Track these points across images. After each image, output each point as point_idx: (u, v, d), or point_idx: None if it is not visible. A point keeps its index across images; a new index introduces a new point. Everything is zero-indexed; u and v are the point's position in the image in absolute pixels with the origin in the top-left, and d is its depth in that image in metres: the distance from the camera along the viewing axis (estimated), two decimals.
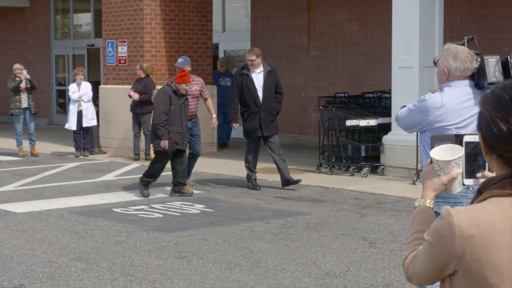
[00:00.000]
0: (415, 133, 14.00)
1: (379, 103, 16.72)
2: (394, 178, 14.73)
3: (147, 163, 14.30)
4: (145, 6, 18.42)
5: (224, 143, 20.48)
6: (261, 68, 13.74)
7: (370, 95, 17.15)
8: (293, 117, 21.04)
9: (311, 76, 20.80)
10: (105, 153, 19.40)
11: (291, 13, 21.10)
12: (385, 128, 15.53)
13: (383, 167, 15.25)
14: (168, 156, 12.88)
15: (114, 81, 19.52)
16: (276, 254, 9.25)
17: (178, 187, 13.17)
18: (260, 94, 13.64)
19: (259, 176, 14.51)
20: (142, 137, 17.87)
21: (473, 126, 5.26)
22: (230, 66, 22.16)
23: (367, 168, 15.25)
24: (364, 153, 15.61)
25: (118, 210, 12.09)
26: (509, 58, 4.75)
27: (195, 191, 13.52)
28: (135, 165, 17.48)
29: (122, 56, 19.19)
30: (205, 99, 14.03)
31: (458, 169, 2.97)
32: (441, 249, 2.67)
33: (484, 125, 2.68)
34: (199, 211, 11.99)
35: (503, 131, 2.61)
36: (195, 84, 13.61)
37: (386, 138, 15.28)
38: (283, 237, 10.18)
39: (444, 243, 2.65)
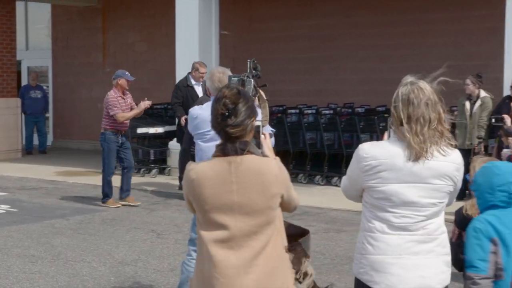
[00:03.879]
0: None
1: (166, 113, 16.80)
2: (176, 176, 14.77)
3: None
4: None
5: (30, 151, 19.62)
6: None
7: (159, 106, 17.16)
8: (91, 126, 20.66)
9: (106, 89, 20.40)
10: None
11: (88, 34, 20.74)
12: (171, 135, 15.56)
13: (169, 168, 15.28)
14: None
15: None
16: (75, 247, 9.05)
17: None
18: None
19: (61, 178, 14.11)
20: None
21: None
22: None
23: (155, 170, 15.22)
24: (153, 156, 15.59)
25: None
26: (246, 78, 5.04)
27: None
28: None
29: None
30: None
31: None
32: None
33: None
34: (4, 211, 11.50)
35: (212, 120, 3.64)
36: (129, 98, 12.35)
37: (171, 144, 15.33)
38: (81, 231, 9.98)
39: (183, 185, 3.71)
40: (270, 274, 3.59)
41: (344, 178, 3.99)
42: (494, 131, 10.55)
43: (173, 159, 15.14)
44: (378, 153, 3.74)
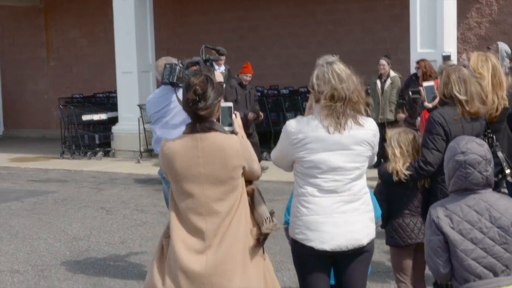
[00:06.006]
0: (137, 123, 14.12)
1: (108, 101, 16.59)
2: (123, 159, 14.63)
3: None
4: None
5: None
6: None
7: (101, 95, 16.93)
8: (38, 115, 20.28)
9: (51, 82, 20.11)
10: None
11: (32, 32, 20.27)
12: (114, 121, 15.36)
13: (113, 151, 15.09)
14: None
15: None
16: (31, 226, 8.89)
17: None
18: None
19: (14, 164, 13.82)
20: None
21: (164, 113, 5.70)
22: None
23: (101, 153, 15.01)
24: (98, 141, 15.36)
25: None
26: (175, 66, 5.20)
27: None
28: None
29: None
30: None
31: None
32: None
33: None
34: None
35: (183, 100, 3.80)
36: None
37: (114, 128, 15.14)
38: (36, 212, 9.80)
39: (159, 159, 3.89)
40: (235, 238, 3.74)
41: (274, 151, 4.02)
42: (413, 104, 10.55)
43: (117, 143, 14.99)
44: (303, 127, 3.79)
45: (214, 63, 5.95)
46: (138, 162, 14.04)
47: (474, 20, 14.20)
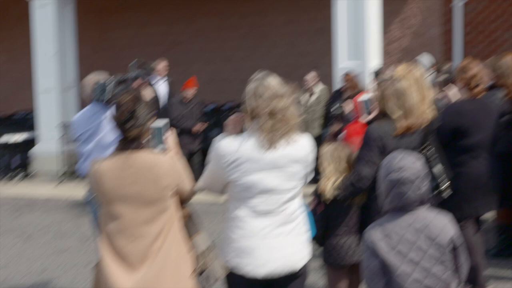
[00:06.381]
0: (57, 144, 13.62)
1: (27, 122, 15.96)
2: (43, 182, 14.04)
3: None
4: None
5: None
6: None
7: (20, 114, 16.34)
8: None
9: None
10: None
11: None
12: (31, 142, 14.77)
13: (32, 173, 14.49)
14: None
15: None
16: None
17: None
18: None
19: None
20: None
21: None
22: None
23: (19, 175, 14.41)
24: (16, 163, 14.73)
25: None
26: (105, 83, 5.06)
27: None
28: None
29: None
30: None
31: None
32: None
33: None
34: None
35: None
36: None
37: (34, 149, 14.53)
38: None
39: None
40: (165, 259, 3.63)
41: (203, 176, 3.79)
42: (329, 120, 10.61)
43: (36, 164, 14.43)
44: (234, 148, 3.57)
45: (156, 75, 5.82)
46: (59, 185, 13.53)
47: (396, 33, 14.32)
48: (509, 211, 6.90)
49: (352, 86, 10.38)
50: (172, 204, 3.72)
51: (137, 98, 3.70)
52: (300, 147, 3.65)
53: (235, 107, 13.02)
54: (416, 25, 14.20)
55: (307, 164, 3.70)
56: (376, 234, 3.43)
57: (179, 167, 3.76)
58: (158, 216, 3.65)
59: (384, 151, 4.45)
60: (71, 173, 13.69)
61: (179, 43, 16.71)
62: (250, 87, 3.63)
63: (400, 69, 5.38)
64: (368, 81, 10.79)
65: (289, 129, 3.59)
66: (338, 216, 4.68)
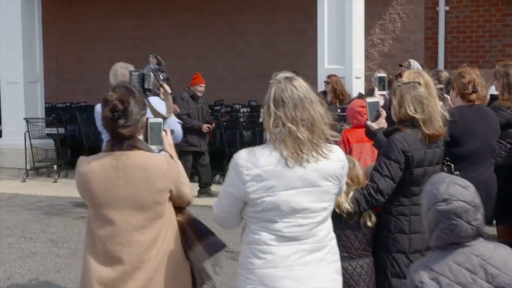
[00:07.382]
0: (22, 138, 12.99)
1: None
2: (7, 178, 13.37)
3: None
4: None
5: None
6: None
7: None
8: None
9: None
10: None
11: None
12: None
13: None
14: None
15: None
16: None
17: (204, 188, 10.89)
18: None
19: None
20: None
21: None
22: None
23: None
24: None
25: None
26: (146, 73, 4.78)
27: None
28: None
29: None
30: None
31: None
32: None
33: None
34: None
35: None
36: None
37: None
38: None
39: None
40: (161, 270, 3.27)
41: (217, 205, 3.28)
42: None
43: (0, 160, 13.76)
44: (257, 160, 3.08)
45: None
46: (24, 181, 12.91)
47: (377, 37, 14.04)
48: (510, 228, 6.62)
49: (337, 89, 10.12)
50: (167, 210, 3.37)
51: (130, 93, 3.34)
52: (332, 160, 3.17)
53: (212, 106, 12.55)
54: (396, 30, 13.95)
55: (340, 180, 3.22)
56: (424, 275, 2.85)
57: (176, 169, 3.42)
58: (152, 222, 3.32)
59: (410, 164, 4.20)
60: (37, 168, 13.12)
61: (150, 38, 16.24)
62: (273, 91, 3.15)
63: (407, 74, 5.13)
64: (355, 85, 10.61)
65: (320, 140, 3.14)
66: (339, 239, 4.24)
